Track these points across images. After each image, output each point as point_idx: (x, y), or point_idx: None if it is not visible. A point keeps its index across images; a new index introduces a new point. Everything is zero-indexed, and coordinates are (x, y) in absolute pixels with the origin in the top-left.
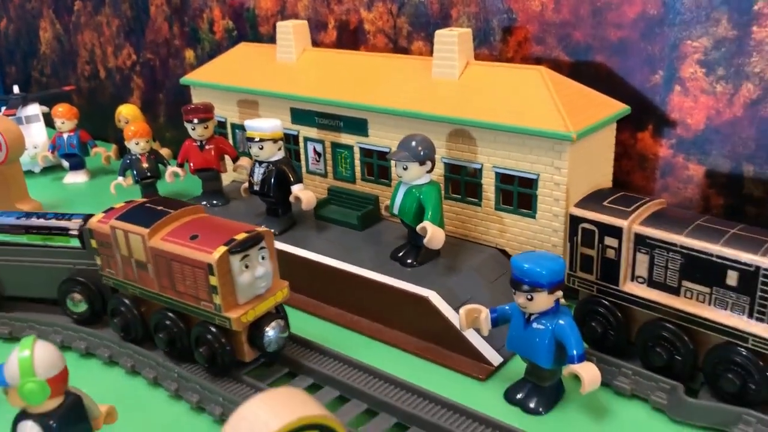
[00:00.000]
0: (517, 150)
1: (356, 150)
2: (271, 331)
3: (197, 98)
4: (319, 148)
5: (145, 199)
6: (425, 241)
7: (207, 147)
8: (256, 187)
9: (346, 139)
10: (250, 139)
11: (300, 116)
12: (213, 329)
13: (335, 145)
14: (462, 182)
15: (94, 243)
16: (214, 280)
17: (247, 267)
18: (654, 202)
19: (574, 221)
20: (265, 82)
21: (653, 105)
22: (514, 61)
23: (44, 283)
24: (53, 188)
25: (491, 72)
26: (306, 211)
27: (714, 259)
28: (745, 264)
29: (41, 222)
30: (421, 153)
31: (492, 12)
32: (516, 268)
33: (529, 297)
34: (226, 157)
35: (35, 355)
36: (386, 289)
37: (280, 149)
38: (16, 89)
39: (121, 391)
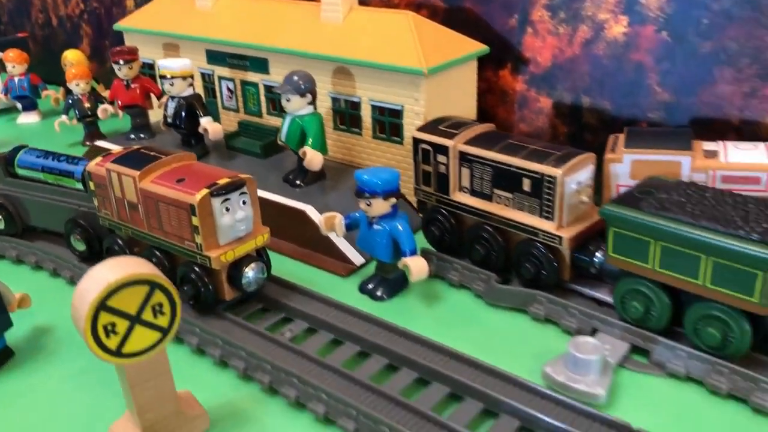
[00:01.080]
0: (386, 85)
1: (261, 87)
2: (250, 272)
3: (129, 42)
4: (231, 85)
5: (140, 146)
6: (305, 163)
7: (133, 86)
8: (170, 120)
9: (252, 77)
10: (163, 77)
11: (214, 57)
12: (196, 268)
13: (244, 83)
14: (346, 114)
15: (92, 185)
16: (195, 221)
17: (227, 210)
18: (481, 126)
19: (415, 143)
20: (184, 27)
21: (511, 45)
22: (399, 7)
23: (57, 219)
24: (8, 128)
25: (369, 16)
26: (218, 142)
27: (514, 169)
28: (534, 172)
29: (53, 163)
30: (302, 86)
31: None
32: (358, 179)
33: (368, 203)
34: (152, 95)
35: None
36: (274, 205)
37: (190, 86)
38: None
39: None
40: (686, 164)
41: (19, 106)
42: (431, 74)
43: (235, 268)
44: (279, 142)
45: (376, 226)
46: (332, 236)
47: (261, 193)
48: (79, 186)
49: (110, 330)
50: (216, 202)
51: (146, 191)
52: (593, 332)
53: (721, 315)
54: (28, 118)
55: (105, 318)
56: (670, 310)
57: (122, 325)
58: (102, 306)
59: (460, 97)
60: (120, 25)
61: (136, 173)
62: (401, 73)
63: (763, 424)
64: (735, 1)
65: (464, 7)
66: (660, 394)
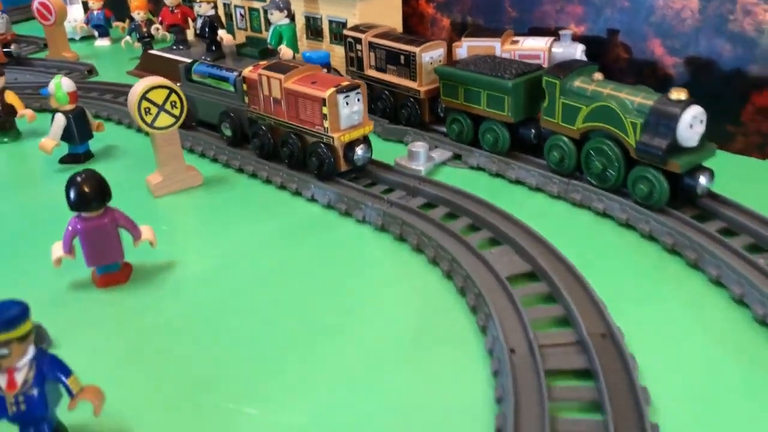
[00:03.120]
0: (337, 5)
1: (261, 11)
2: (359, 151)
3: None
4: (242, 11)
5: (279, 60)
6: (280, 56)
7: (176, 11)
8: (198, 32)
9: (256, 5)
10: (193, 0)
11: None
12: (322, 146)
13: (250, 9)
14: (313, 27)
15: (245, 87)
16: (325, 110)
17: (347, 104)
18: (384, 27)
19: (345, 37)
20: None
21: None
22: None
23: (215, 113)
24: (88, 49)
25: None
26: (231, 49)
27: (395, 51)
28: (406, 51)
29: (216, 71)
30: (281, 5)
31: None
32: (304, 56)
33: None
34: (189, 19)
35: (62, 81)
36: None
37: (212, 7)
38: None
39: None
40: (498, 48)
41: (95, 33)
42: None
43: (349, 147)
44: (269, 47)
45: None
46: None
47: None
48: (232, 89)
49: (147, 111)
50: (340, 97)
51: (289, 89)
52: (435, 147)
53: (494, 127)
54: (102, 42)
55: (144, 104)
56: (472, 129)
57: (153, 110)
58: (143, 96)
59: (388, 16)
60: None
61: (282, 76)
62: None
63: (518, 188)
64: None
65: None
66: (462, 176)
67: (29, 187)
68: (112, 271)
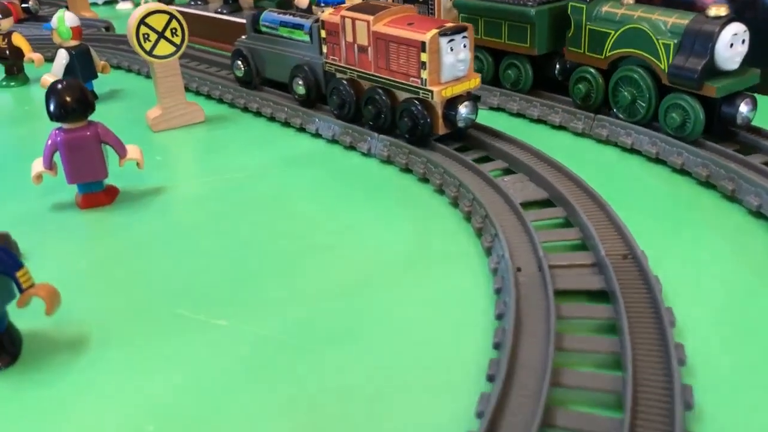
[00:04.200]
0: None
1: None
2: (463, 109)
3: None
4: None
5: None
6: (296, 2)
7: None
8: None
9: None
10: None
11: None
12: (417, 103)
13: None
14: None
15: (323, 33)
16: (424, 57)
17: (451, 50)
18: None
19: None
20: None
21: None
22: None
23: (284, 69)
24: (110, 12)
25: None
26: (249, 4)
27: None
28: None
29: (288, 18)
30: None
31: None
32: None
33: (321, 11)
34: None
35: (65, 14)
36: None
37: None
38: None
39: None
40: None
41: None
42: None
43: (450, 105)
44: None
45: None
46: None
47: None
48: (307, 38)
49: (146, 38)
50: (443, 41)
51: (379, 33)
52: None
53: (516, 62)
54: (124, 5)
55: (143, 29)
56: (493, 66)
57: (152, 36)
58: (142, 21)
59: None
60: None
61: (370, 18)
62: None
63: (540, 127)
64: None
65: None
66: (480, 117)
67: (28, 122)
68: (95, 191)
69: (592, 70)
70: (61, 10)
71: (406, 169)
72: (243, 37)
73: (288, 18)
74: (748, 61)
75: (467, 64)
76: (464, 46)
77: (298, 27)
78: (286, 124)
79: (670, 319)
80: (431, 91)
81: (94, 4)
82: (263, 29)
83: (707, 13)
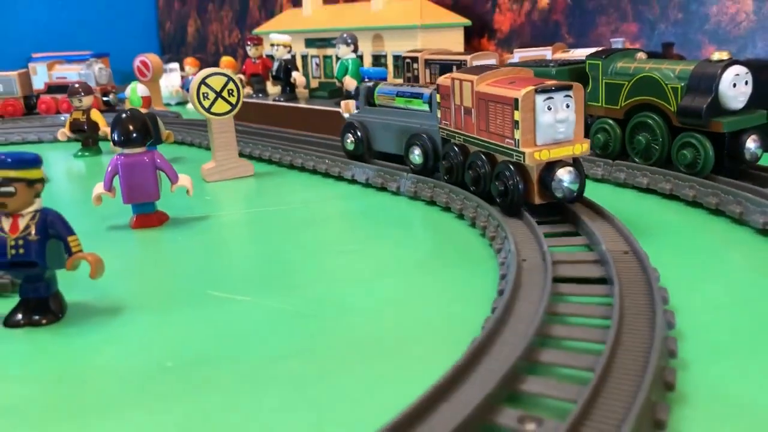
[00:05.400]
0: (399, 39)
1: (333, 57)
2: (565, 175)
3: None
4: (317, 60)
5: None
6: (344, 85)
7: (256, 62)
8: (274, 74)
9: (329, 51)
10: (273, 45)
11: (308, 42)
12: (511, 166)
13: (324, 57)
14: (379, 63)
15: (438, 98)
16: (517, 115)
17: (549, 109)
18: (440, 49)
19: (404, 59)
20: (293, 26)
21: (487, 21)
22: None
23: (398, 139)
24: (180, 109)
25: (398, 5)
26: (303, 94)
27: (449, 62)
28: (458, 60)
29: (406, 89)
30: (348, 40)
31: None
32: (362, 72)
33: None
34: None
35: (137, 86)
36: (324, 113)
37: (288, 52)
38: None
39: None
40: (549, 55)
41: (189, 97)
42: (424, 29)
43: (548, 171)
44: (337, 83)
45: None
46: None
47: (316, 105)
48: (425, 107)
49: (205, 96)
50: (539, 99)
51: (480, 93)
52: None
53: None
54: None
55: (203, 89)
56: None
57: (211, 95)
58: (203, 81)
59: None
60: (256, 30)
61: (474, 77)
62: (407, 29)
63: None
64: None
65: (460, 2)
66: None
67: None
68: (148, 213)
69: (610, 121)
70: (134, 82)
71: (431, 202)
72: (355, 110)
73: (405, 88)
74: (755, 103)
75: (571, 126)
76: (567, 106)
77: (416, 96)
78: (327, 174)
79: (663, 296)
80: (523, 153)
81: (167, 105)
82: (378, 101)
83: (711, 58)
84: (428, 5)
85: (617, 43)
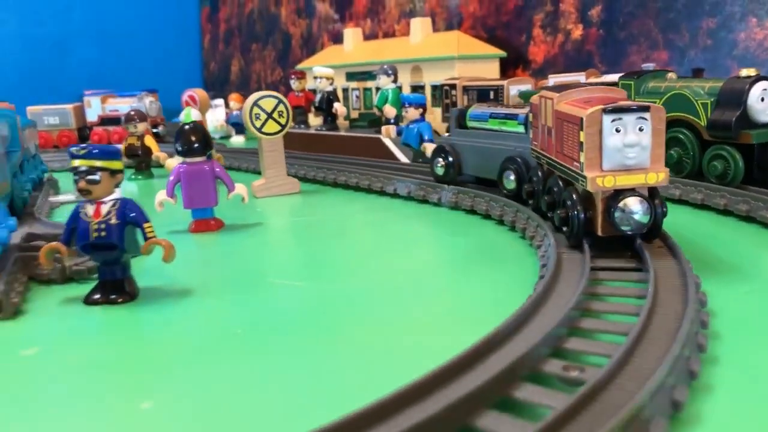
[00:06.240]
0: (438, 69)
1: (373, 90)
2: (636, 206)
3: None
4: (357, 93)
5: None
6: (385, 113)
7: (299, 95)
8: (317, 105)
9: (369, 84)
10: (315, 78)
11: (349, 76)
12: (574, 192)
13: (365, 89)
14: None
15: (530, 117)
16: (582, 136)
17: (617, 131)
18: (476, 77)
19: (442, 87)
20: (334, 60)
21: (522, 52)
22: (466, 32)
23: (491, 164)
24: (224, 143)
25: (436, 37)
26: (344, 123)
27: (486, 87)
28: (495, 86)
29: (500, 110)
30: (388, 71)
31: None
32: (401, 98)
33: (406, 111)
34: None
35: (191, 111)
36: (365, 140)
37: (330, 84)
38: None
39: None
40: (582, 79)
41: (233, 131)
42: (461, 59)
43: (615, 199)
44: (376, 112)
45: (411, 126)
46: (387, 140)
47: (356, 134)
48: (520, 129)
49: (257, 117)
50: (606, 120)
51: (558, 112)
52: None
53: None
54: (238, 139)
55: (255, 110)
56: None
57: (263, 116)
58: (255, 103)
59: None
60: (299, 66)
61: (556, 95)
62: (445, 60)
63: None
64: (636, 5)
65: (497, 35)
66: None
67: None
68: (205, 218)
69: None
70: (188, 107)
71: (472, 211)
72: (446, 134)
73: (499, 110)
74: None
75: (645, 152)
76: (640, 129)
77: (511, 118)
78: (369, 189)
79: (696, 282)
80: (586, 178)
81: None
82: (470, 124)
83: (739, 74)
84: (465, 37)
85: (648, 67)
